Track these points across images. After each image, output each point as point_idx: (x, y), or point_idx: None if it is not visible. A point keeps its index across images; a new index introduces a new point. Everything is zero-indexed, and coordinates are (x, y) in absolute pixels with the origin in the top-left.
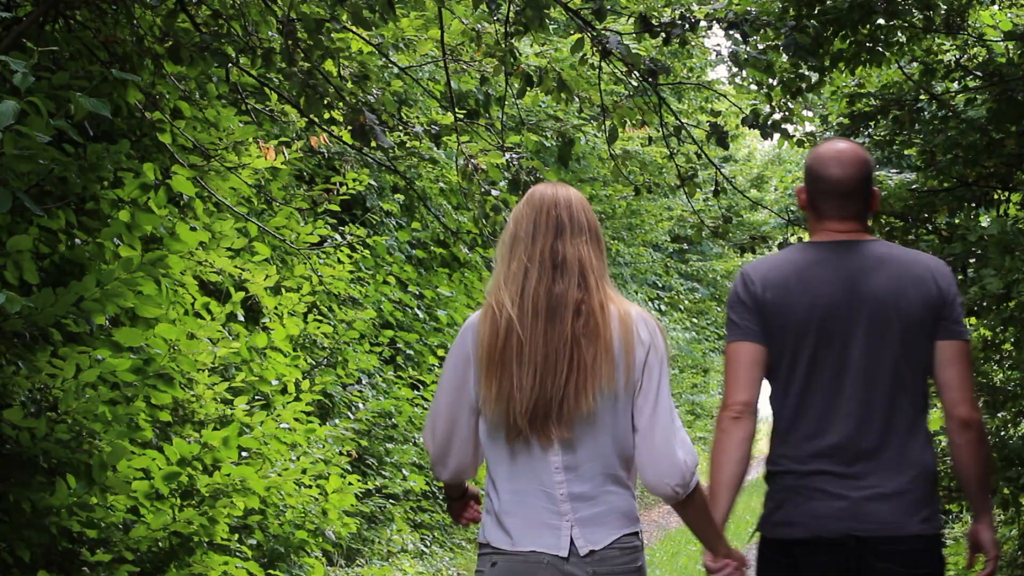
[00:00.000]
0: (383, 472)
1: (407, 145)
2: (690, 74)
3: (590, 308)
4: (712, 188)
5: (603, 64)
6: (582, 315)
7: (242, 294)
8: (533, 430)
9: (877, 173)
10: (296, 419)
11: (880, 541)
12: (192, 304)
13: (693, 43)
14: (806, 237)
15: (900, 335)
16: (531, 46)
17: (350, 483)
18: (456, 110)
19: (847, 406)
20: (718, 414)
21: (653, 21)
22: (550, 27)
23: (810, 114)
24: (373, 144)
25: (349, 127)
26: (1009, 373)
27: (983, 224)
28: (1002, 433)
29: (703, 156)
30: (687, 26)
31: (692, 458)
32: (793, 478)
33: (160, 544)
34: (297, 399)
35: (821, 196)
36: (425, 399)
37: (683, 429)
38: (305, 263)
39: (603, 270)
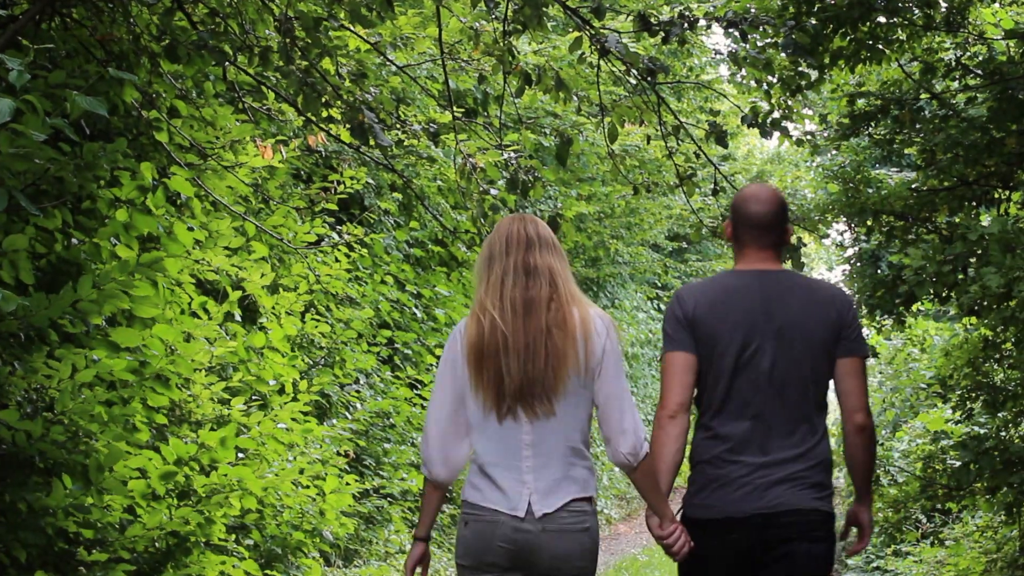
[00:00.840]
0: (381, 472)
1: (405, 144)
2: (689, 73)
3: (558, 303)
4: (711, 187)
5: (602, 63)
6: (551, 309)
7: (239, 293)
8: (522, 407)
9: (877, 172)
10: (293, 419)
11: (784, 514)
12: (189, 303)
13: (692, 42)
14: (805, 236)
15: (805, 351)
16: (529, 43)
17: (348, 483)
18: (454, 109)
19: (761, 408)
20: (656, 412)
21: (652, 19)
22: (548, 25)
23: (810, 112)
24: (371, 143)
25: (347, 125)
26: (1010, 373)
27: (984, 223)
28: (1002, 434)
29: (702, 155)
30: (686, 25)
31: (642, 432)
32: (711, 469)
33: (157, 544)
34: (294, 399)
35: (743, 229)
36: (423, 398)
37: (635, 408)
38: (302, 262)
39: (568, 275)
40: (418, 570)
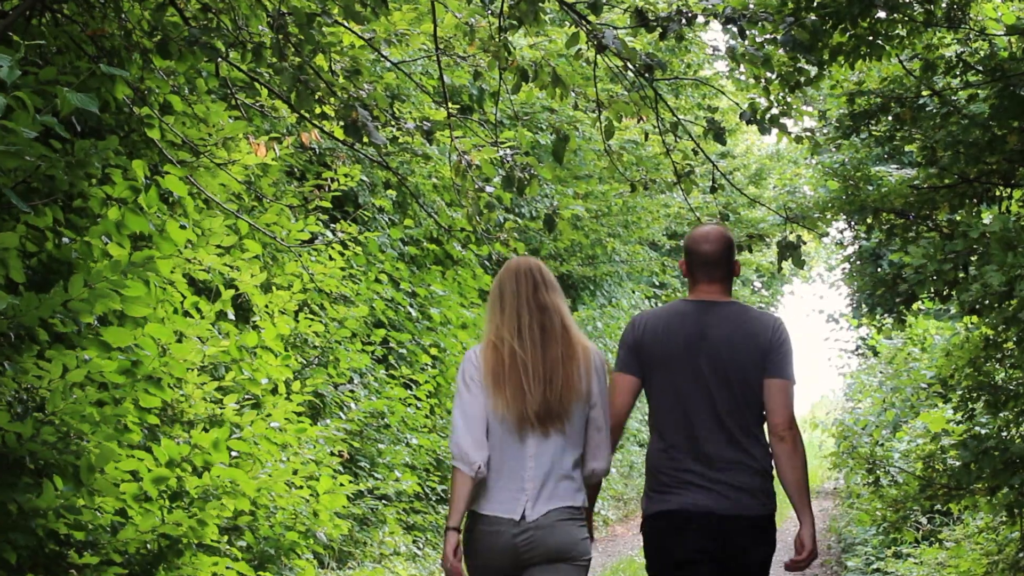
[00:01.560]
0: (375, 473)
1: (399, 141)
2: (687, 70)
3: (568, 339)
4: (709, 184)
5: (599, 59)
6: (564, 342)
7: (232, 292)
8: (540, 424)
9: (877, 169)
10: (287, 419)
11: (735, 519)
12: (181, 303)
13: (690, 38)
14: (805, 235)
15: (737, 372)
16: (524, 36)
17: (341, 484)
18: (449, 105)
19: (702, 424)
20: None
21: (649, 15)
22: (545, 18)
23: (809, 109)
24: (365, 140)
25: (341, 122)
26: (1011, 372)
27: (985, 221)
28: (1003, 434)
29: (700, 152)
30: (684, 20)
31: (610, 458)
32: (665, 475)
33: (148, 546)
34: (288, 399)
35: (695, 265)
36: (418, 399)
37: (611, 435)
38: (296, 260)
39: (569, 313)
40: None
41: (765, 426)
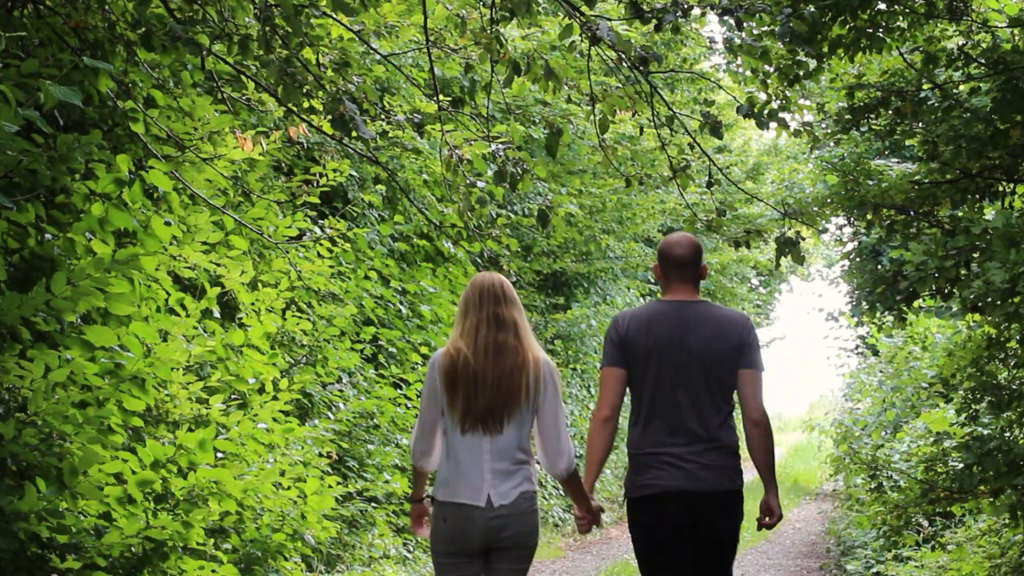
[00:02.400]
0: (364, 474)
1: (389, 135)
2: (683, 64)
3: (520, 352)
4: (706, 180)
5: (593, 52)
6: (514, 354)
7: (218, 290)
8: (484, 425)
9: (877, 164)
10: (274, 419)
11: (709, 495)
12: (166, 300)
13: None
14: (804, 231)
15: (712, 364)
16: (516, 28)
17: (330, 485)
18: (440, 98)
19: (679, 410)
20: (594, 414)
21: (644, 7)
22: (537, 9)
23: (808, 103)
24: (354, 134)
25: (329, 116)
26: (1015, 372)
27: (987, 217)
28: (1006, 435)
29: (696, 147)
30: (680, 12)
31: (573, 450)
32: (647, 457)
33: (133, 549)
34: (275, 398)
35: (669, 268)
36: (408, 398)
37: (567, 432)
38: (283, 257)
39: (527, 327)
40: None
41: (733, 412)
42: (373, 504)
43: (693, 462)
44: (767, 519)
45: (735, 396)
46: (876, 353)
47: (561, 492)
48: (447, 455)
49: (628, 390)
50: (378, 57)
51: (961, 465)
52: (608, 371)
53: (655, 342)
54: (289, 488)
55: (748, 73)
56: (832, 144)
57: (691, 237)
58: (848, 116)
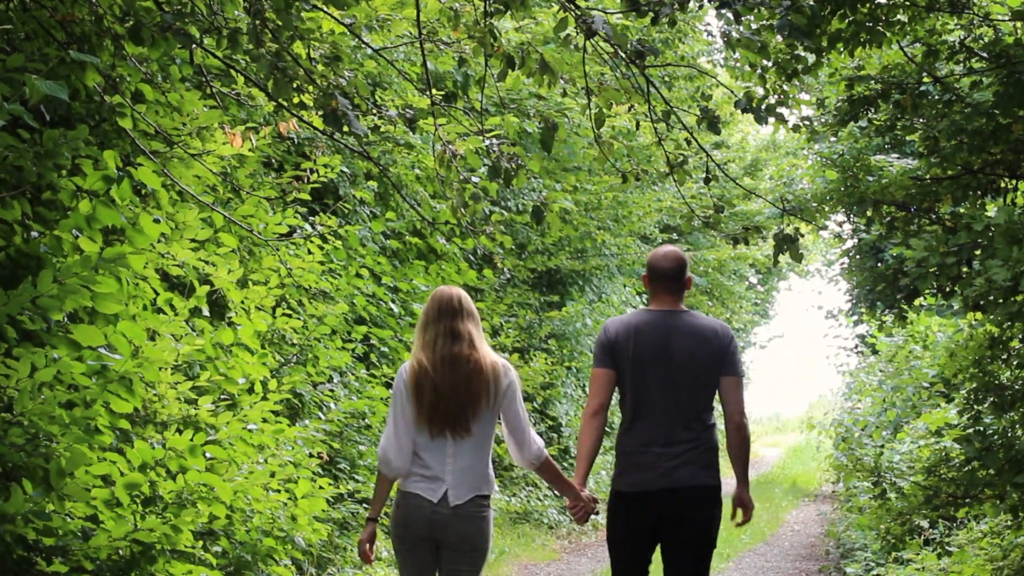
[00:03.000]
0: (356, 476)
1: (381, 130)
2: (681, 60)
3: (476, 360)
4: (703, 176)
5: (588, 45)
6: (471, 364)
7: (207, 288)
8: (448, 429)
9: (877, 160)
10: (264, 420)
11: (689, 491)
12: (154, 299)
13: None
14: (802, 227)
15: (695, 370)
16: (510, 20)
17: (321, 487)
18: (433, 93)
19: (663, 411)
20: (585, 410)
21: (641, 0)
22: (532, 2)
23: (807, 97)
24: (345, 129)
25: (320, 111)
26: (1017, 372)
27: (989, 213)
28: (1008, 434)
29: (693, 142)
30: (676, 4)
31: (540, 442)
32: (633, 456)
33: (120, 553)
34: (265, 398)
35: (656, 279)
36: None
37: (532, 427)
38: (273, 255)
39: (481, 336)
40: (368, 545)
41: (713, 414)
42: (365, 506)
43: (679, 459)
44: (741, 512)
45: (715, 401)
46: (876, 352)
47: (556, 494)
48: (415, 459)
49: (617, 392)
50: (370, 51)
51: (963, 461)
52: (598, 371)
53: (642, 349)
54: (279, 490)
55: (746, 68)
56: (832, 139)
57: (678, 251)
58: (847, 108)
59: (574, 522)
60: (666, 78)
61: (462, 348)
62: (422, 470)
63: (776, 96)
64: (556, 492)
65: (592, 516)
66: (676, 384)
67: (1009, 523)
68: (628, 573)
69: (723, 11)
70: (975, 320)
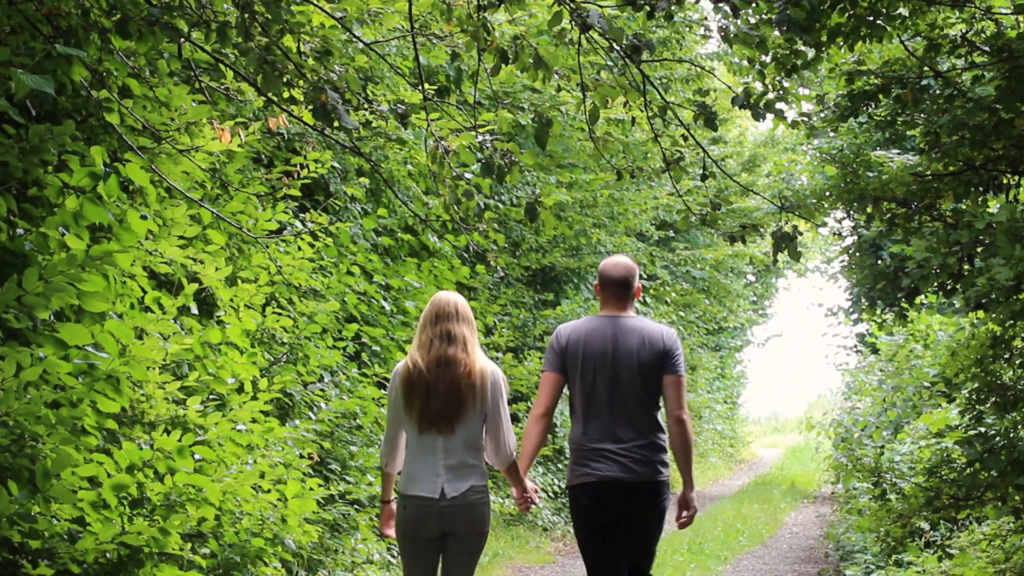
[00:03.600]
0: (347, 476)
1: (372, 125)
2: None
3: (467, 364)
4: (699, 172)
5: (583, 40)
6: (462, 366)
7: (195, 286)
8: (437, 427)
9: (878, 155)
10: (253, 420)
11: (641, 485)
12: (142, 297)
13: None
14: (800, 224)
15: (640, 370)
16: (503, 12)
17: (311, 488)
18: (425, 87)
19: (611, 411)
20: (530, 412)
21: None
22: None
23: (806, 92)
24: (336, 124)
25: (310, 106)
26: (1020, 371)
27: (991, 211)
28: (1011, 434)
29: (690, 138)
30: None
31: (513, 446)
32: (585, 452)
33: (108, 556)
34: (254, 398)
35: (606, 286)
36: None
37: (511, 430)
38: (263, 252)
39: (475, 341)
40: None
41: (659, 413)
42: (356, 507)
43: (625, 456)
44: (683, 513)
45: (660, 399)
46: (876, 351)
47: (549, 496)
48: (408, 455)
49: (568, 392)
50: (361, 45)
51: (964, 463)
52: (547, 375)
53: (591, 352)
54: (269, 491)
55: (744, 63)
56: (831, 134)
57: (628, 260)
58: (847, 103)
59: (520, 511)
60: (663, 79)
61: (456, 351)
62: (416, 470)
63: (775, 92)
64: (509, 483)
65: (532, 505)
66: (622, 385)
67: (1012, 525)
68: (604, 563)
69: (720, 4)
70: (977, 319)
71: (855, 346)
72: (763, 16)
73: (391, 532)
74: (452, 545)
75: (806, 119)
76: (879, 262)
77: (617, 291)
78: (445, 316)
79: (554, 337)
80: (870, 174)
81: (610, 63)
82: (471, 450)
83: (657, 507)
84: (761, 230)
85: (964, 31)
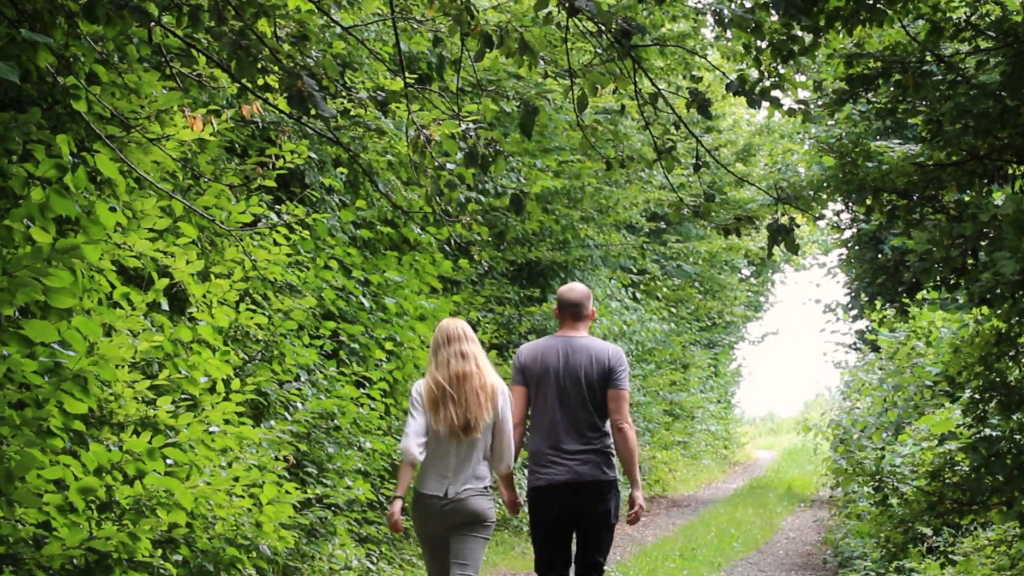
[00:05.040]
0: (324, 480)
1: (351, 114)
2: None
3: (481, 377)
4: (692, 162)
5: (571, 24)
6: (477, 380)
7: (166, 281)
8: (463, 434)
9: (877, 145)
10: (227, 421)
11: (586, 484)
12: (110, 293)
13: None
14: (797, 216)
15: (588, 385)
16: None
17: (287, 492)
18: (406, 74)
19: (563, 421)
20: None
21: None
22: None
23: (804, 79)
24: (312, 113)
25: (285, 94)
26: None
27: (996, 202)
28: (1016, 437)
29: (683, 126)
30: None
31: (513, 457)
32: (540, 457)
33: (75, 562)
34: (227, 399)
35: (563, 310)
36: (372, 398)
37: (512, 441)
38: (237, 246)
39: (484, 356)
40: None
41: (605, 422)
42: (334, 511)
43: (574, 459)
44: (632, 511)
45: (606, 410)
46: (876, 349)
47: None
48: (428, 455)
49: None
50: (339, 30)
51: (968, 469)
52: (515, 388)
53: (544, 368)
54: (243, 495)
55: (739, 49)
56: (829, 122)
57: (582, 287)
58: (845, 88)
59: (510, 514)
60: (657, 74)
61: (470, 367)
62: (429, 470)
63: (771, 79)
64: (503, 487)
65: (521, 508)
66: (573, 398)
67: (1017, 531)
68: (549, 556)
69: None
70: (981, 315)
71: (854, 343)
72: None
73: (399, 524)
74: (459, 531)
75: (803, 106)
76: (879, 256)
77: (572, 311)
78: (456, 338)
79: (516, 356)
80: (870, 164)
81: (599, 48)
82: (480, 456)
83: (602, 504)
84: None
85: (968, 14)
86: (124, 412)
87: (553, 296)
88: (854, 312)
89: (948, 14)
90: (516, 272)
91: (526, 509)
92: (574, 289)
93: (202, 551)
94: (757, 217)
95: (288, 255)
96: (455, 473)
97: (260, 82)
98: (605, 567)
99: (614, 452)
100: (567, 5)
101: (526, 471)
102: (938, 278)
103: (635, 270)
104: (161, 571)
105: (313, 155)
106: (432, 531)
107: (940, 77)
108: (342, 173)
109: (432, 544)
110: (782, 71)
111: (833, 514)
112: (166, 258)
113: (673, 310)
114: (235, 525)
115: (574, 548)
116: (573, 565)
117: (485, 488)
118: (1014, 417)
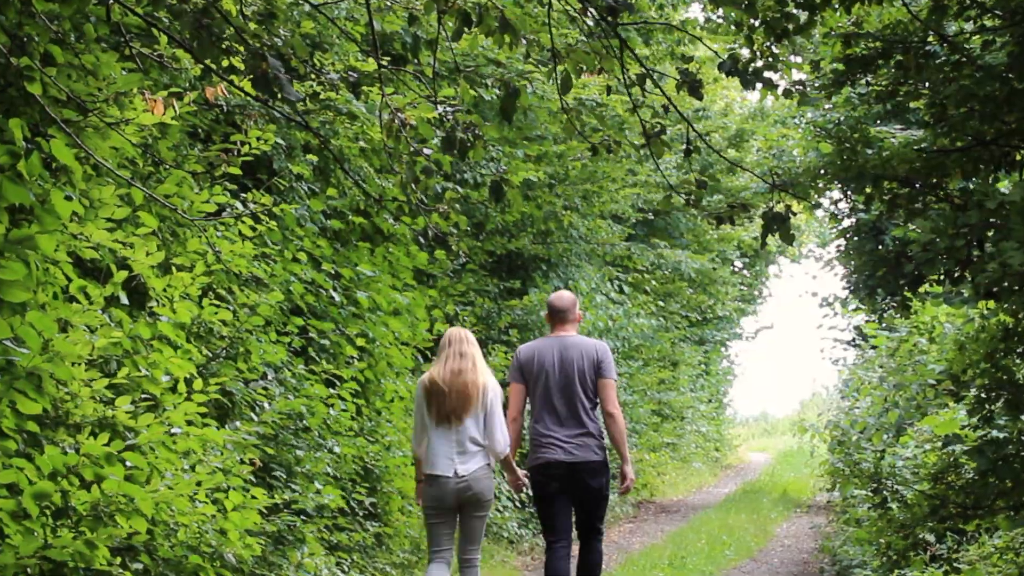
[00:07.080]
0: (292, 484)
1: (321, 97)
2: (659, 13)
3: (472, 375)
4: (683, 148)
5: (554, 2)
6: (470, 377)
7: (125, 273)
8: (449, 420)
9: (878, 130)
10: (189, 422)
11: (581, 464)
12: (66, 287)
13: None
14: (793, 204)
15: (580, 377)
16: None
17: (253, 497)
18: (380, 55)
19: (560, 407)
20: (507, 416)
21: None
22: None
23: (799, 60)
24: (279, 96)
25: (250, 76)
26: None
27: (1003, 189)
28: (1023, 438)
29: (672, 109)
30: None
31: (507, 440)
32: (539, 440)
33: (29, 571)
34: (189, 398)
35: (554, 314)
36: (343, 398)
37: (505, 427)
38: (200, 236)
39: (480, 356)
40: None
41: (596, 409)
42: (302, 518)
43: (570, 442)
44: (623, 483)
45: (597, 398)
46: (876, 348)
47: (516, 505)
48: (430, 443)
49: (528, 398)
50: (308, 7)
51: (974, 474)
52: (513, 386)
53: (542, 365)
54: (207, 501)
55: (731, 28)
56: (826, 106)
57: (569, 294)
58: (843, 69)
59: (513, 491)
60: (642, 31)
61: (465, 365)
62: (435, 455)
63: (764, 59)
64: (505, 471)
65: (524, 487)
66: (567, 388)
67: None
68: (551, 523)
69: None
70: (987, 309)
71: (853, 340)
72: None
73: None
74: (466, 510)
75: (799, 87)
76: (879, 247)
77: (561, 316)
78: (458, 341)
79: (515, 356)
80: (869, 150)
81: (587, 27)
82: (476, 438)
83: (595, 480)
84: (750, 211)
85: None
86: (81, 412)
87: (535, 290)
88: (852, 306)
89: None
90: (495, 264)
91: (528, 491)
92: (562, 297)
93: (163, 559)
94: (751, 205)
95: (254, 247)
96: (460, 455)
97: (224, 63)
98: (602, 529)
99: (604, 435)
100: None
101: (528, 456)
102: (942, 270)
103: (621, 265)
104: None
105: (281, 141)
106: (448, 505)
107: (944, 58)
108: (312, 160)
109: (442, 517)
110: (776, 51)
111: (831, 520)
112: (125, 249)
113: (662, 304)
114: (198, 532)
115: (574, 516)
116: (575, 529)
117: (490, 466)
118: (1022, 417)
